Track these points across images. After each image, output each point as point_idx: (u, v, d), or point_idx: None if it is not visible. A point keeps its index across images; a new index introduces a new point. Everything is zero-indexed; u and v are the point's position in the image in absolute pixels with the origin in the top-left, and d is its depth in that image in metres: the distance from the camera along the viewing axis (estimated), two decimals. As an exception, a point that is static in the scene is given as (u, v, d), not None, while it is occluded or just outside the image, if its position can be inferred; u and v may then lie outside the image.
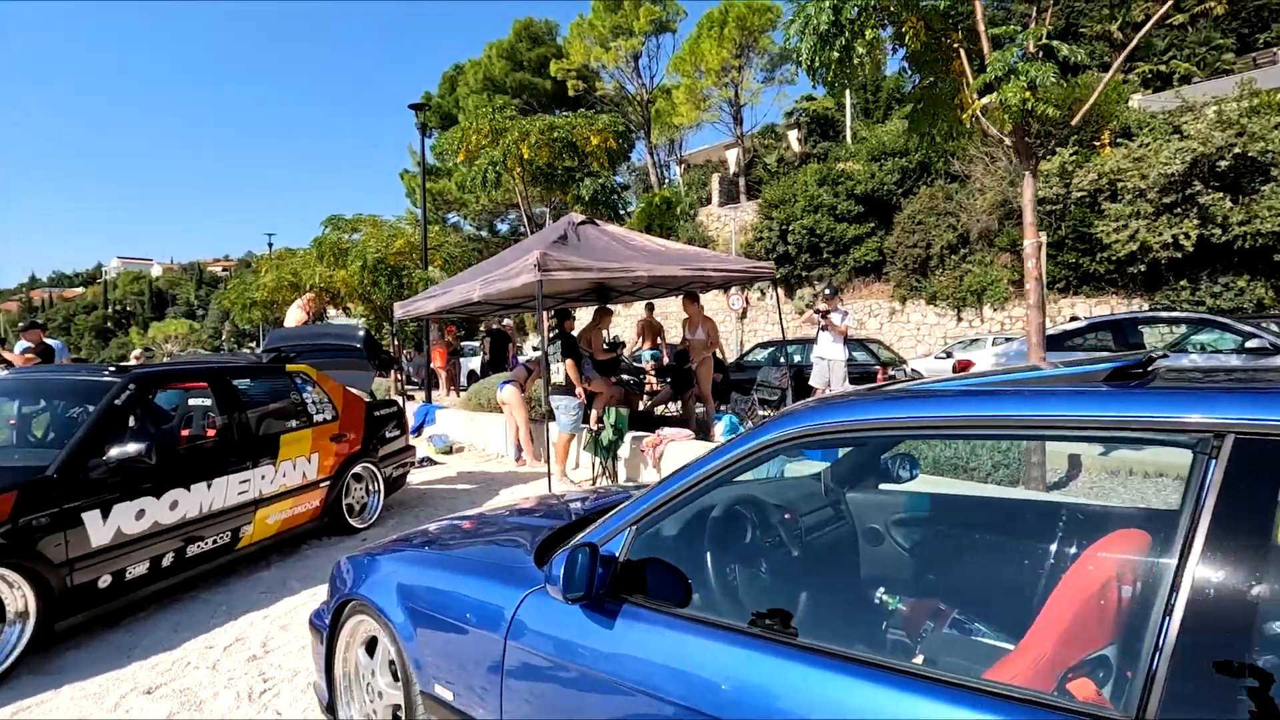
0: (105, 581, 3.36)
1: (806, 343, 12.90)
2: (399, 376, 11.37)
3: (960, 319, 18.09)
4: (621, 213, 11.22)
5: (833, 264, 20.63)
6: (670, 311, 23.75)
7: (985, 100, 5.06)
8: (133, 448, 3.43)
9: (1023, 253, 5.21)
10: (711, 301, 21.06)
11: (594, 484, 6.57)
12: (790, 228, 20.68)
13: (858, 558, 2.15)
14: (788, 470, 2.55)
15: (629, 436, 6.73)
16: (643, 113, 29.32)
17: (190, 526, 3.82)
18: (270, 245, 33.58)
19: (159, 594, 3.74)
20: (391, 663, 2.18)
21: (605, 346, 7.82)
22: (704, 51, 24.87)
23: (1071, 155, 15.24)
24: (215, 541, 4.01)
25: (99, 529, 3.33)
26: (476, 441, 9.58)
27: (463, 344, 18.19)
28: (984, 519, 2.30)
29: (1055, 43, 4.83)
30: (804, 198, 20.60)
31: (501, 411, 9.40)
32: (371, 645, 2.29)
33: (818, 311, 7.98)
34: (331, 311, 22.01)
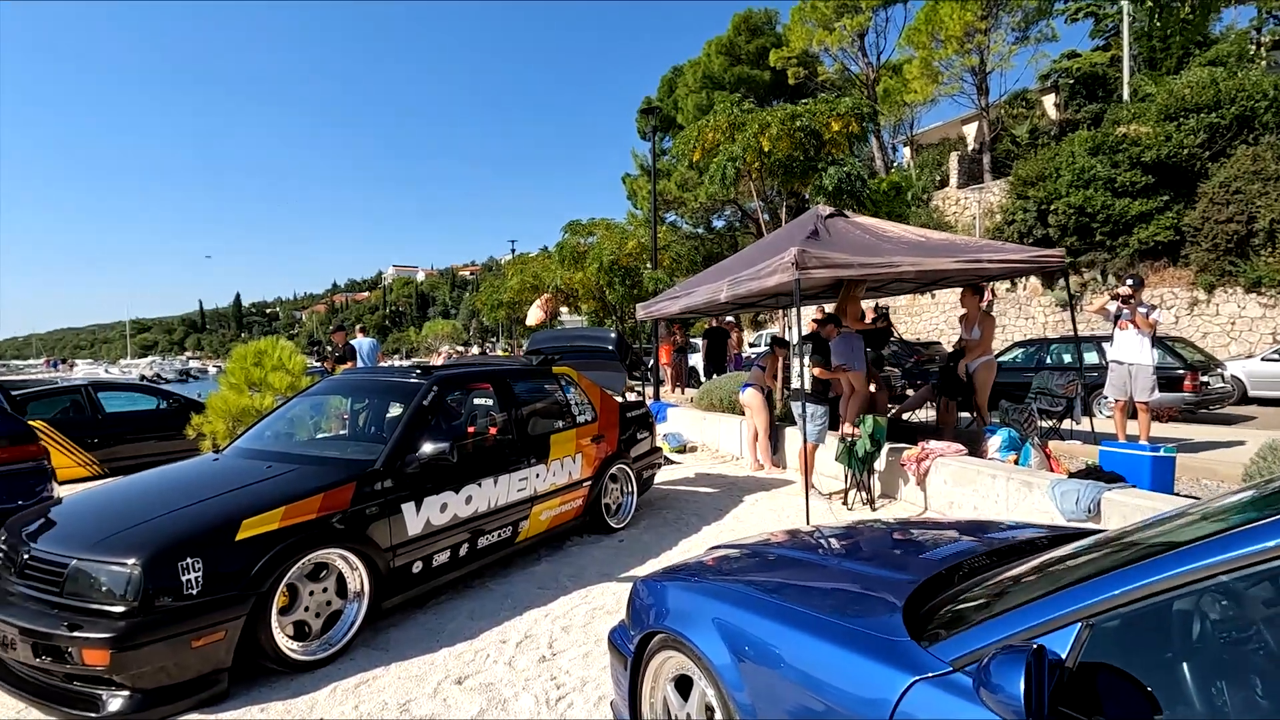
0: (417, 567, 3.69)
1: (1070, 342, 11.05)
2: (636, 375, 11.74)
3: (1296, 310, 14.29)
4: (866, 202, 10.39)
5: (1108, 247, 17.47)
6: (897, 305, 21.96)
7: None
8: (441, 445, 3.72)
9: None
10: (948, 296, 19.02)
11: (845, 499, 6.07)
12: (1052, 207, 17.89)
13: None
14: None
15: (885, 447, 6.12)
16: (868, 94, 27.43)
17: (481, 520, 4.09)
18: (513, 250, 37.24)
19: (454, 582, 4.05)
20: (709, 706, 1.99)
21: (871, 319, 7.16)
22: (943, 17, 22.50)
23: None
24: (499, 535, 4.26)
25: (413, 519, 3.65)
26: (709, 441, 9.51)
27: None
28: None
29: None
30: (1069, 171, 17.68)
31: (738, 413, 9.24)
32: (683, 684, 2.14)
33: (1120, 300, 6.61)
34: (564, 311, 23.75)
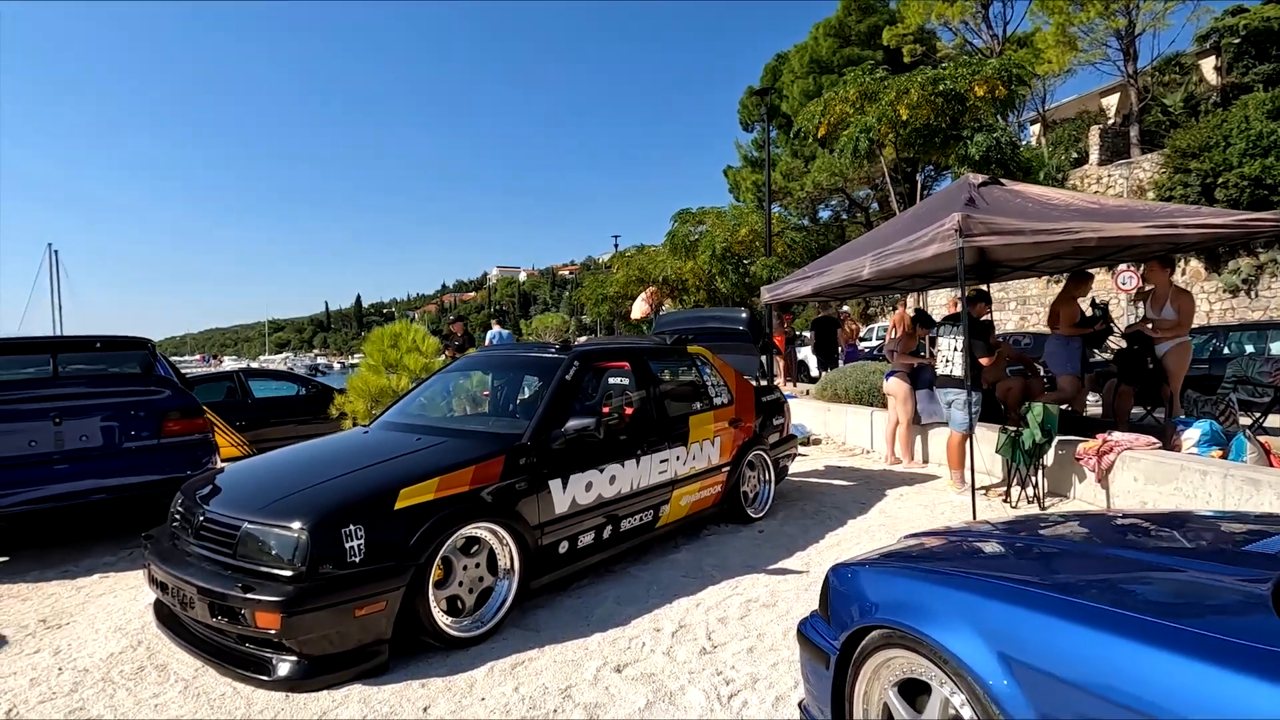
0: (564, 547, 3.53)
1: (1253, 329, 9.66)
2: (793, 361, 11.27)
3: None
4: (1017, 173, 9.43)
5: (1291, 223, 15.24)
6: (1005, 294, 20.14)
7: None
8: (586, 421, 3.55)
9: None
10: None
11: (1006, 495, 5.45)
12: (1220, 179, 15.83)
13: None
14: None
15: (1056, 440, 5.44)
16: (992, 68, 25.48)
17: (624, 501, 3.89)
18: (616, 246, 37.51)
19: (595, 566, 3.87)
20: (955, 718, 1.65)
21: (1086, 316, 6.51)
22: (1084, -22, 20.46)
23: None
24: (641, 519, 4.05)
25: (560, 496, 3.49)
26: (834, 434, 8.97)
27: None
28: None
29: None
30: (1242, 138, 15.57)
31: (866, 404, 8.66)
32: (908, 690, 1.80)
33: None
34: (667, 304, 23.57)
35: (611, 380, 4.98)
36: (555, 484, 3.48)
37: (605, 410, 4.57)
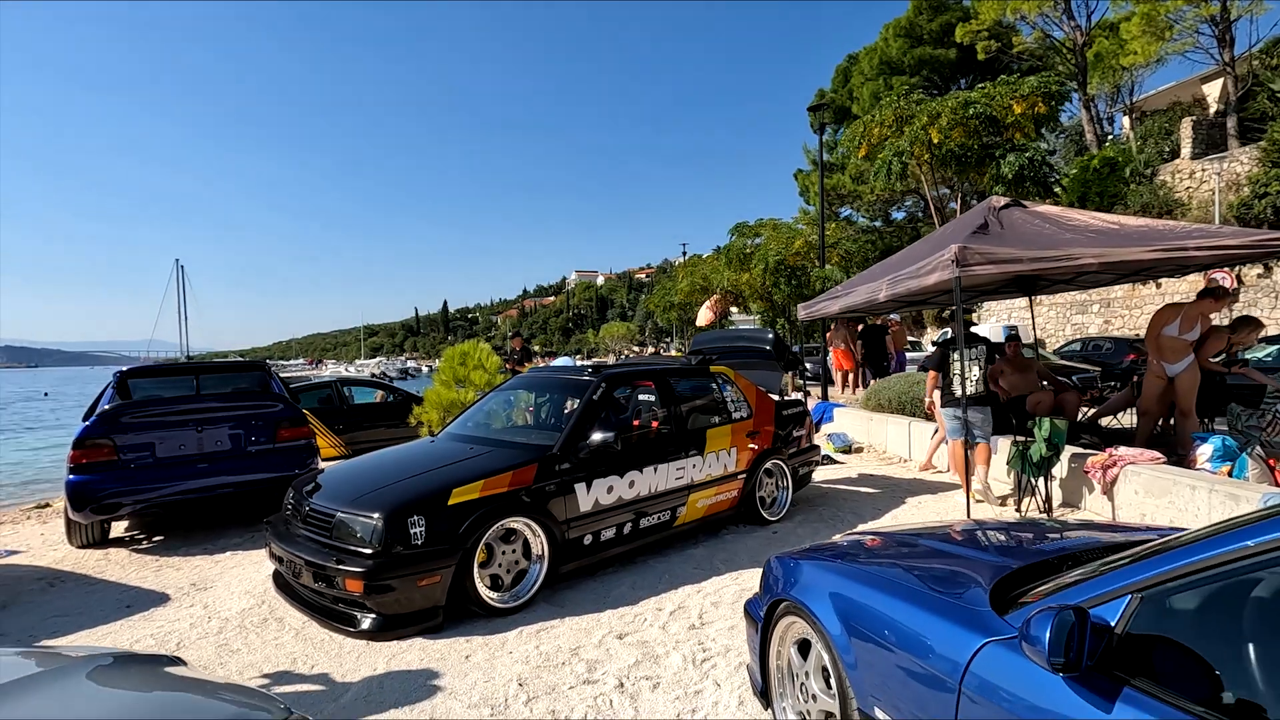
0: (588, 540, 4.26)
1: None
2: (795, 375, 11.74)
3: None
4: (1054, 187, 9.45)
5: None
6: (1112, 296, 19.34)
7: None
8: (607, 435, 4.27)
9: None
10: (1174, 285, 16.45)
11: (1018, 506, 5.76)
12: (1321, 175, 14.86)
13: None
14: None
15: (1068, 453, 5.72)
16: (1076, 60, 24.46)
17: (642, 503, 4.57)
18: (684, 253, 38.18)
19: (619, 557, 4.58)
20: (824, 669, 2.25)
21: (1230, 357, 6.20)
22: (1172, -37, 19.49)
23: None
24: (659, 518, 4.72)
25: (584, 497, 4.22)
26: (876, 443, 9.31)
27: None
28: None
29: None
30: (1348, 130, 14.56)
31: (907, 414, 8.97)
32: (804, 647, 2.40)
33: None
34: (734, 310, 24.00)
35: (641, 397, 5.67)
36: (580, 487, 4.21)
37: (635, 424, 5.29)
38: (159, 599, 4.28)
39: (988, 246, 5.18)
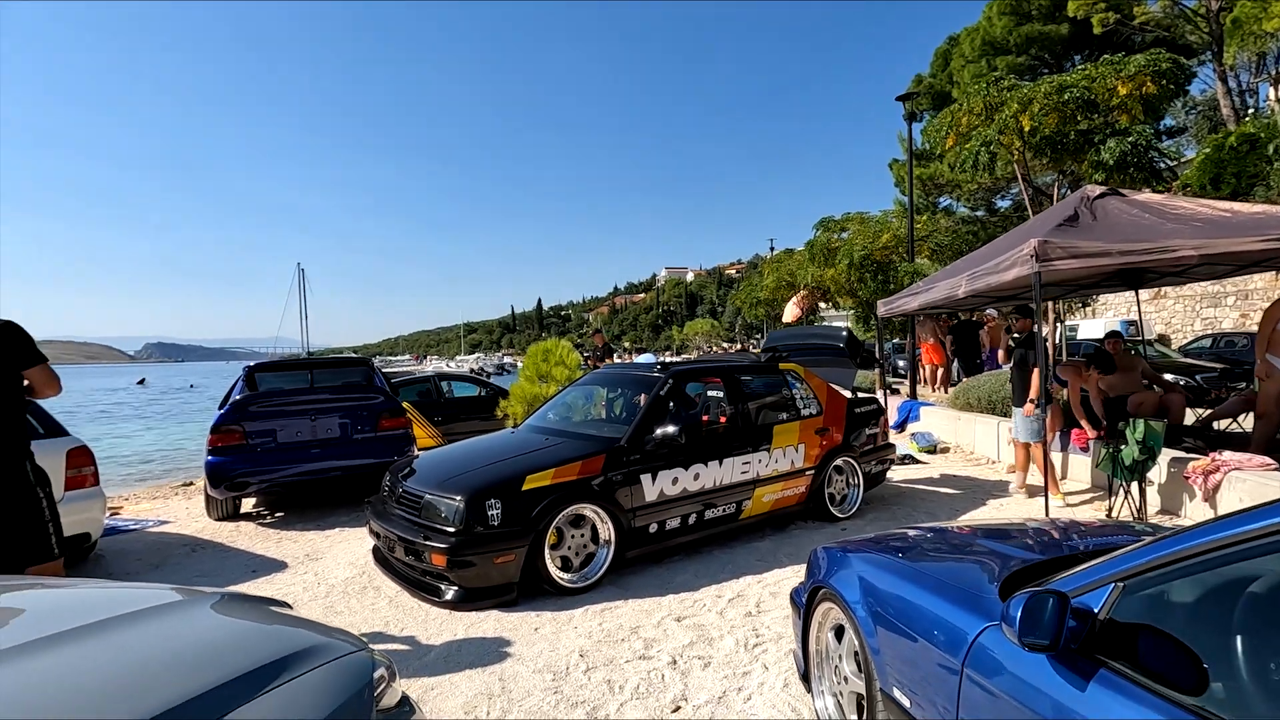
0: (653, 528, 4.48)
1: None
2: (881, 373, 11.47)
3: None
4: (1164, 172, 8.72)
5: None
6: (1223, 290, 17.45)
7: None
8: (671, 429, 4.47)
9: None
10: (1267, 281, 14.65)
11: (1110, 513, 5.49)
12: None
13: None
14: None
15: (1166, 456, 5.39)
16: (1210, 28, 22.21)
17: (708, 495, 4.74)
18: (771, 248, 37.66)
19: (684, 546, 4.77)
20: (856, 653, 2.36)
21: None
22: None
23: None
24: (724, 510, 4.87)
25: (649, 487, 4.44)
26: (963, 443, 9.01)
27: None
28: None
29: None
30: None
31: (998, 413, 8.62)
32: (839, 632, 2.52)
33: None
34: (821, 305, 23.50)
35: (711, 394, 5.83)
36: (646, 478, 4.43)
37: (705, 420, 5.46)
38: (278, 566, 4.89)
39: (1072, 240, 4.97)
